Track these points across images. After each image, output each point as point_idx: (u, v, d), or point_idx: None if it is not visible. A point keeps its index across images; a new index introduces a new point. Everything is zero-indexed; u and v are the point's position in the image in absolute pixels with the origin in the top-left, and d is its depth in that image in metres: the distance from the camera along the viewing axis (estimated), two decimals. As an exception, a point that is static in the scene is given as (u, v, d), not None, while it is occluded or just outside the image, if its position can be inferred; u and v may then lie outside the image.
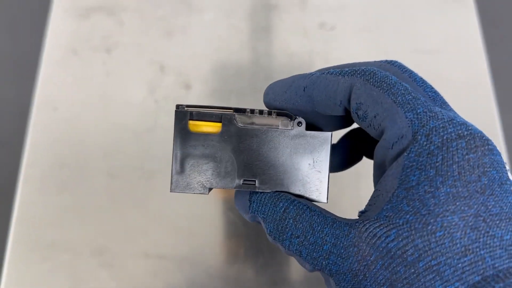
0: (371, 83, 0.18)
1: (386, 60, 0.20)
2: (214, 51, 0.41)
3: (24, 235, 0.34)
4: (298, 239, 0.18)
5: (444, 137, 0.16)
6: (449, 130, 0.16)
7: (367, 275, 0.16)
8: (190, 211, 0.35)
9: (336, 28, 0.42)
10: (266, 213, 0.19)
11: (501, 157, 0.17)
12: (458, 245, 0.15)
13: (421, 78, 0.20)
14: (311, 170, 0.20)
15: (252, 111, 0.20)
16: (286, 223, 0.18)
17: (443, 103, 0.19)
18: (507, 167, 0.17)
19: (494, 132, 0.38)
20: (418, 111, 0.17)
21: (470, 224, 0.16)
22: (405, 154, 0.17)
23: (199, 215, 0.35)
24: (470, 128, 0.17)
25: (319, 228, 0.18)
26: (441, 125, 0.16)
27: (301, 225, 0.18)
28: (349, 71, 0.19)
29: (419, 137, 0.16)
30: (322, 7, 0.42)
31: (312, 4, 0.43)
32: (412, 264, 0.15)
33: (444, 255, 0.15)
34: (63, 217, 0.35)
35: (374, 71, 0.18)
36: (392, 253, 0.16)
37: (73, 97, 0.39)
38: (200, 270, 0.33)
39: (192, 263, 0.33)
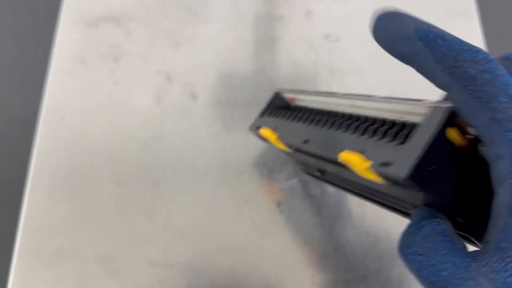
0: (469, 92, 0.16)
1: (503, 56, 0.18)
2: (220, 61, 0.41)
3: (31, 242, 0.34)
4: (420, 257, 0.17)
5: None
6: None
7: None
8: (196, 220, 0.35)
9: (341, 40, 0.42)
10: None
11: None
12: None
13: None
14: None
15: None
16: (414, 238, 0.17)
17: None
18: None
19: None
20: None
21: None
22: (509, 180, 0.15)
23: (205, 224, 0.35)
24: None
25: (443, 252, 0.16)
26: None
27: (428, 244, 0.17)
28: (451, 62, 0.17)
29: None
30: (327, 19, 0.43)
31: (317, 15, 0.43)
32: None
33: None
34: (70, 225, 0.35)
35: (475, 75, 0.16)
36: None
37: (81, 105, 0.39)
38: (205, 278, 0.33)
39: (198, 271, 0.33)
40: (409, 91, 0.40)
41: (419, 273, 0.17)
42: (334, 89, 0.40)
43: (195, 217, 0.35)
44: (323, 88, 0.40)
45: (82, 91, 0.40)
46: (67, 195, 0.36)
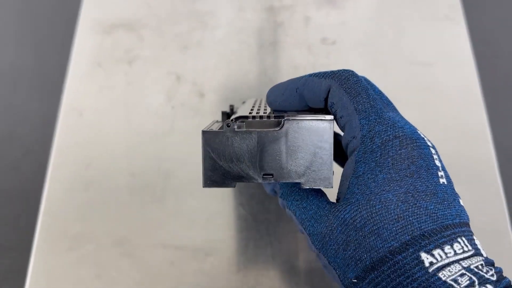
0: (343, 88, 0.23)
1: (337, 71, 0.25)
2: (225, 63, 0.45)
3: (51, 228, 0.37)
4: (296, 202, 0.24)
5: (384, 138, 0.22)
6: (389, 132, 0.22)
7: (331, 237, 0.22)
8: (203, 206, 0.38)
9: (337, 43, 0.46)
10: (283, 186, 0.25)
11: (429, 150, 0.23)
12: (392, 214, 0.21)
13: (375, 86, 0.25)
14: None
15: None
16: (293, 189, 0.24)
17: (392, 109, 0.25)
18: (435, 157, 0.23)
19: (484, 137, 0.41)
20: (370, 118, 0.23)
21: (401, 199, 0.21)
22: (355, 152, 0.23)
23: (212, 210, 0.38)
24: (405, 130, 0.22)
25: (311, 198, 0.24)
26: (383, 129, 0.22)
27: (302, 192, 0.24)
28: (330, 73, 0.24)
29: (366, 139, 0.22)
30: (324, 24, 0.46)
31: (315, 21, 0.47)
32: (360, 229, 0.21)
33: (382, 222, 0.21)
34: (88, 211, 0.38)
35: (348, 76, 0.24)
36: (347, 221, 0.22)
37: (98, 104, 0.43)
38: (214, 259, 0.36)
39: (206, 253, 0.36)
40: (400, 88, 0.43)
41: (294, 213, 0.24)
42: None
43: (203, 204, 0.38)
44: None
45: (99, 91, 0.43)
46: (85, 186, 0.39)
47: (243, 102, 0.37)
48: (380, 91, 0.25)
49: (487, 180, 0.39)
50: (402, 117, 0.24)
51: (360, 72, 0.44)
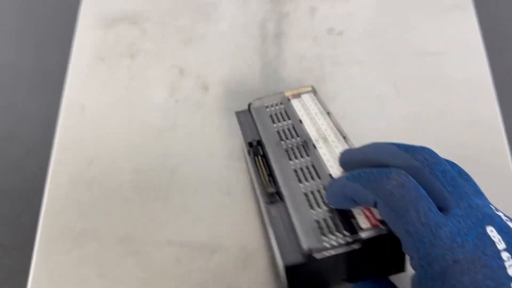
0: (389, 205, 0.22)
1: (412, 151, 0.23)
2: (229, 56, 0.44)
3: (53, 225, 0.37)
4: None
5: (443, 265, 0.20)
6: (447, 257, 0.20)
7: None
8: (209, 203, 0.37)
9: (343, 33, 0.44)
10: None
11: (499, 265, 0.20)
12: None
13: (443, 170, 0.22)
14: None
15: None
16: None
17: (460, 198, 0.22)
18: (507, 264, 0.20)
19: (496, 128, 0.40)
20: (424, 240, 0.21)
21: None
22: (417, 273, 0.21)
23: (218, 207, 0.37)
24: (466, 249, 0.20)
25: None
26: (441, 254, 0.20)
27: None
28: (373, 184, 0.22)
29: (424, 264, 0.21)
30: (330, 14, 0.45)
31: (321, 11, 0.46)
32: None
33: None
34: (91, 209, 0.37)
35: (391, 191, 0.22)
36: None
37: (100, 99, 0.42)
38: (220, 256, 0.35)
39: (212, 250, 0.35)
40: (408, 79, 0.42)
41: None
42: (338, 79, 0.42)
43: (208, 200, 0.37)
44: (327, 80, 0.42)
45: (101, 86, 0.42)
46: (88, 183, 0.38)
47: (258, 99, 0.37)
48: (443, 172, 0.22)
49: (500, 172, 0.38)
50: (470, 210, 0.21)
51: (368, 64, 0.43)
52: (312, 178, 0.30)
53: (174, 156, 0.39)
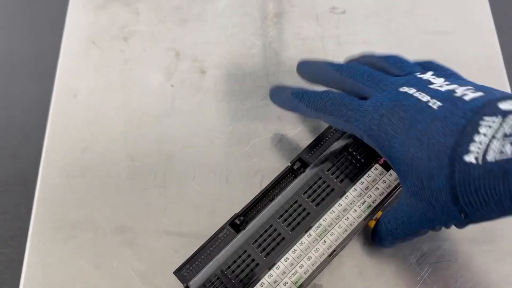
0: (328, 113, 0.29)
1: (385, 56, 0.31)
2: (227, 37, 0.42)
3: (47, 215, 0.35)
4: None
5: (375, 124, 0.27)
6: (375, 116, 0.27)
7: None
8: (207, 191, 0.36)
9: (347, 12, 0.42)
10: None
11: (410, 97, 0.26)
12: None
13: (362, 72, 0.29)
14: None
15: None
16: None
17: (377, 84, 0.28)
18: (416, 93, 0.26)
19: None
20: (357, 118, 0.28)
21: (415, 143, 0.25)
22: (371, 138, 0.28)
23: (217, 195, 0.35)
24: (383, 104, 0.27)
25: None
26: (370, 118, 0.27)
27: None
28: (312, 103, 0.30)
29: (367, 130, 0.27)
30: (332, -8, 0.43)
31: (323, -10, 0.43)
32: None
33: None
34: (86, 198, 0.36)
35: (324, 104, 0.29)
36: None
37: (93, 84, 0.40)
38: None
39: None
40: (415, 59, 0.40)
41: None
42: (341, 59, 0.40)
43: (207, 188, 0.36)
44: (331, 59, 0.40)
45: (94, 70, 0.41)
46: (82, 171, 0.37)
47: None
48: (370, 73, 0.29)
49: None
50: (387, 85, 0.28)
51: (373, 43, 0.41)
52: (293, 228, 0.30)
53: (170, 143, 0.37)
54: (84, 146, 0.38)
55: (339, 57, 0.40)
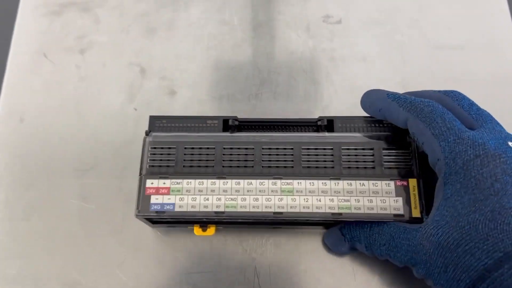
0: (419, 118, 0.25)
1: (444, 91, 0.26)
2: (203, 50, 0.35)
3: (-16, 267, 0.30)
4: (384, 246, 0.25)
5: (465, 159, 0.23)
6: (469, 152, 0.23)
7: (431, 262, 0.23)
8: (174, 242, 0.30)
9: (342, 21, 0.36)
10: (358, 236, 0.27)
11: None
12: (481, 233, 0.21)
13: (470, 103, 0.26)
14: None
15: None
16: (374, 237, 0.26)
17: (484, 122, 0.25)
18: None
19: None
20: (449, 139, 0.24)
21: (488, 217, 0.21)
22: (442, 174, 0.24)
23: (184, 247, 0.30)
24: (487, 147, 0.23)
25: (396, 236, 0.25)
26: (463, 149, 0.23)
27: (384, 236, 0.25)
28: (408, 104, 0.25)
29: (448, 161, 0.23)
30: (326, -2, 0.37)
31: (315, -6, 0.37)
32: (454, 250, 0.22)
33: (473, 241, 0.21)
34: (30, 246, 0.30)
35: (422, 108, 0.25)
36: (441, 244, 0.22)
37: (43, 105, 0.34)
38: (186, 310, 0.28)
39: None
40: (422, 77, 0.34)
41: (388, 257, 0.25)
42: (335, 79, 0.34)
43: (173, 239, 0.30)
44: (323, 80, 0.34)
45: (45, 89, 0.35)
46: (26, 212, 0.31)
47: None
48: (470, 104, 0.26)
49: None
50: (493, 130, 0.24)
51: (373, 59, 0.35)
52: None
53: (132, 179, 0.31)
54: (29, 182, 0.32)
55: (333, 75, 0.34)
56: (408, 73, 0.34)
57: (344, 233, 0.27)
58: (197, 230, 0.28)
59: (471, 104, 0.26)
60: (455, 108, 0.25)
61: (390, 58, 0.35)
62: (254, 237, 0.30)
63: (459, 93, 0.26)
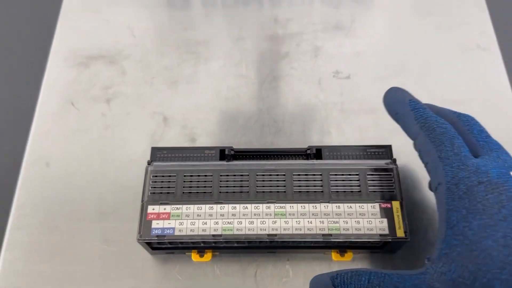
0: (429, 138, 0.25)
1: (458, 113, 0.26)
2: (221, 102, 0.38)
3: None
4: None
5: (468, 184, 0.22)
6: (472, 178, 0.22)
7: None
8: (193, 285, 0.31)
9: (351, 77, 0.39)
10: None
11: None
12: (496, 261, 0.20)
13: (480, 130, 0.26)
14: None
15: None
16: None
17: (490, 150, 0.25)
18: None
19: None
20: (453, 165, 0.23)
21: (501, 243, 0.20)
22: (445, 200, 0.23)
23: None
24: (490, 174, 0.22)
25: (401, 285, 0.22)
26: (466, 175, 0.23)
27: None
28: (423, 120, 0.25)
29: (451, 185, 0.23)
30: (335, 55, 0.40)
31: (325, 52, 0.40)
32: (471, 285, 0.20)
33: (490, 272, 0.20)
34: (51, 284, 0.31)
35: (435, 128, 0.25)
36: (456, 281, 0.20)
37: (68, 151, 0.36)
38: None
39: None
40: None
41: None
42: (346, 131, 0.36)
43: (193, 282, 0.31)
44: (333, 131, 0.36)
45: (71, 135, 0.36)
46: (48, 254, 0.32)
47: None
48: (480, 130, 0.26)
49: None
50: (498, 159, 0.24)
51: (381, 112, 0.37)
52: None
53: (153, 223, 0.32)
54: (53, 224, 0.33)
55: (344, 127, 0.37)
56: (414, 125, 0.37)
57: (336, 285, 0.23)
58: (194, 256, 0.30)
59: (481, 130, 0.26)
60: (464, 132, 0.25)
61: (397, 111, 0.37)
62: (252, 263, 0.31)
63: (472, 118, 0.26)
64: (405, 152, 0.31)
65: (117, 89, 0.38)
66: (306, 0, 0.44)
